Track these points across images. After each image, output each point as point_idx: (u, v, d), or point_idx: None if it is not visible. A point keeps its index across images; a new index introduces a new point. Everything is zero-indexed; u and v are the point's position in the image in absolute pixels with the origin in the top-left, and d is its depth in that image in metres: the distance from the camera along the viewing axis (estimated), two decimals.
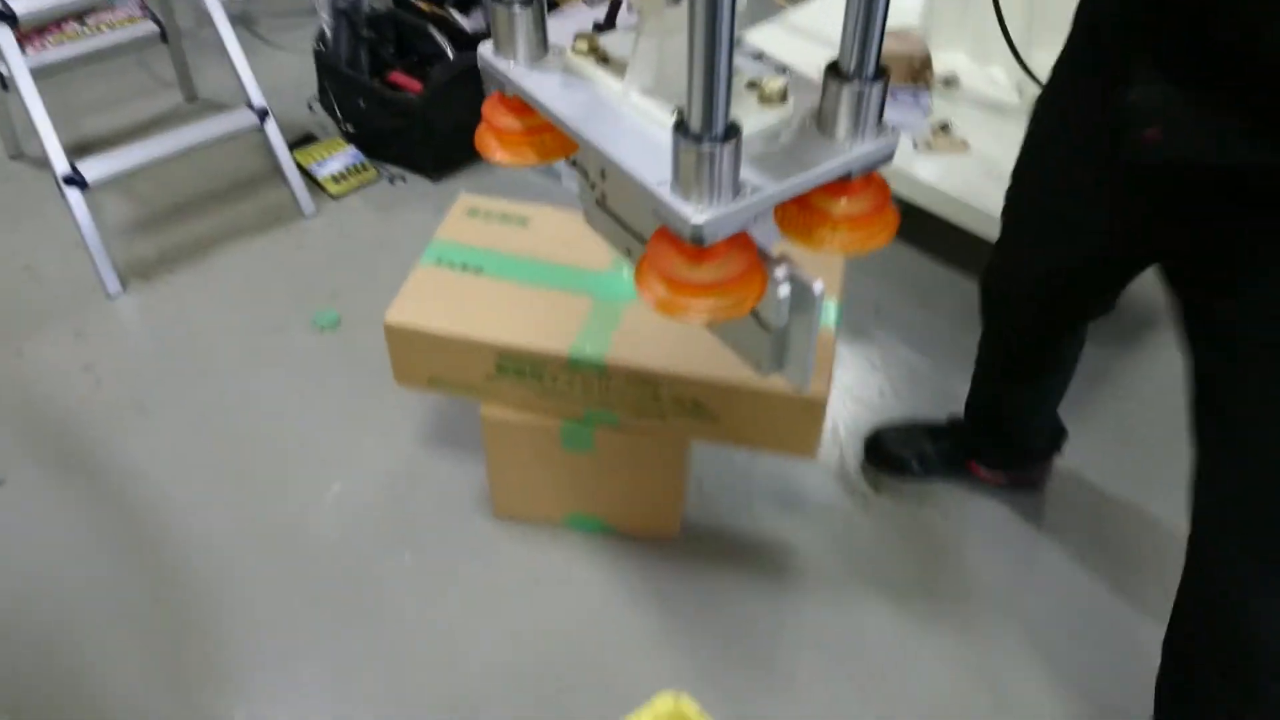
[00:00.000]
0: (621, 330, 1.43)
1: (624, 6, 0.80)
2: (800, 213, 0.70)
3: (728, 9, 0.56)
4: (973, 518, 1.69)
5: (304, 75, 2.63)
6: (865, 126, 0.67)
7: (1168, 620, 1.15)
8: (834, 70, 0.66)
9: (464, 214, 1.61)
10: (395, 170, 2.45)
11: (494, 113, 0.80)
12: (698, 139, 0.60)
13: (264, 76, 2.25)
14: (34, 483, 1.74)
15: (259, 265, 2.19)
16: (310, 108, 2.63)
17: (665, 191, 0.65)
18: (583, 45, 0.78)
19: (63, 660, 1.49)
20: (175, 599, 1.57)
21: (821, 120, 0.69)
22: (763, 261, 0.71)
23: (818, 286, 0.72)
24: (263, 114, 2.21)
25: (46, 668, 1.48)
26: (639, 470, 1.55)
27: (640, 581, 1.59)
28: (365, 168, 2.43)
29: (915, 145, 1.98)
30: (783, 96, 0.71)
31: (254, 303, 2.09)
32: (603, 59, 0.77)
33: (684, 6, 0.59)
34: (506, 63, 0.78)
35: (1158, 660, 1.17)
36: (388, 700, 1.45)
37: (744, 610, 1.56)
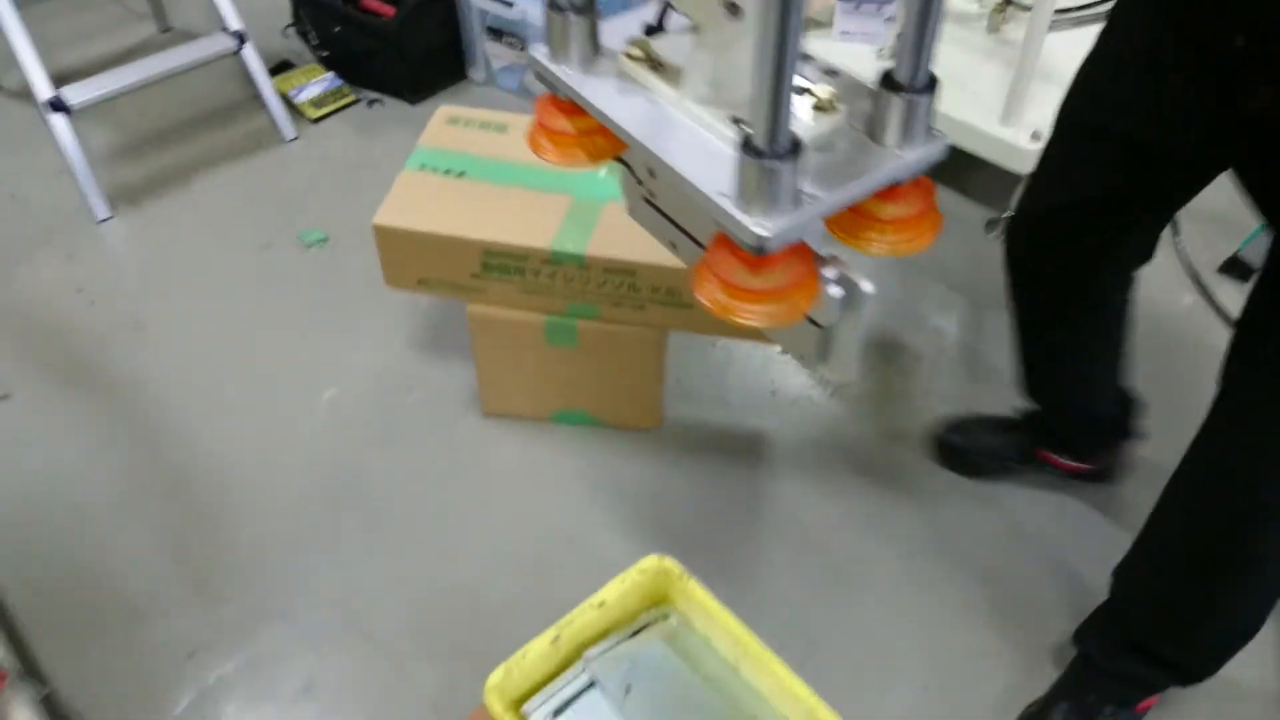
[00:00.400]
0: (600, 226, 1.50)
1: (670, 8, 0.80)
2: (849, 215, 0.72)
3: (795, 34, 0.57)
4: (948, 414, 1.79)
5: (278, 4, 2.65)
6: (916, 134, 0.69)
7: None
8: (888, 80, 0.68)
9: (445, 122, 1.67)
10: (372, 94, 2.49)
11: (546, 114, 0.81)
12: (762, 155, 0.61)
13: (238, 5, 2.28)
14: (38, 396, 1.80)
15: (243, 188, 2.24)
16: (285, 35, 2.65)
17: (727, 203, 0.66)
18: (636, 51, 0.78)
19: (80, 551, 1.57)
20: (182, 496, 1.65)
21: (873, 128, 0.70)
22: (815, 262, 0.72)
23: (867, 287, 0.72)
24: (240, 38, 2.24)
25: (66, 558, 1.56)
26: (620, 362, 1.64)
27: (625, 469, 1.69)
28: (343, 92, 2.47)
29: (879, 54, 2.04)
30: (835, 103, 0.73)
31: (241, 224, 2.15)
32: (656, 65, 0.77)
33: (741, 21, 0.64)
34: (560, 68, 0.78)
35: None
36: (388, 584, 1.54)
37: (722, 495, 1.66)
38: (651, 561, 1.32)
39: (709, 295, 0.69)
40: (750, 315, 0.69)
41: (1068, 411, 1.55)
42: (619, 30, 0.80)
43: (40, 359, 1.87)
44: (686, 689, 1.24)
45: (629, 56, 0.78)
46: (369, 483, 1.68)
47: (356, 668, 1.44)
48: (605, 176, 1.58)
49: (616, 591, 1.27)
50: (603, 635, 1.30)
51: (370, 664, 1.45)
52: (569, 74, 0.77)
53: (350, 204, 2.16)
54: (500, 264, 1.51)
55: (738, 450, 1.72)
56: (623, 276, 1.49)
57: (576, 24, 0.76)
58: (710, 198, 0.66)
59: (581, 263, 1.47)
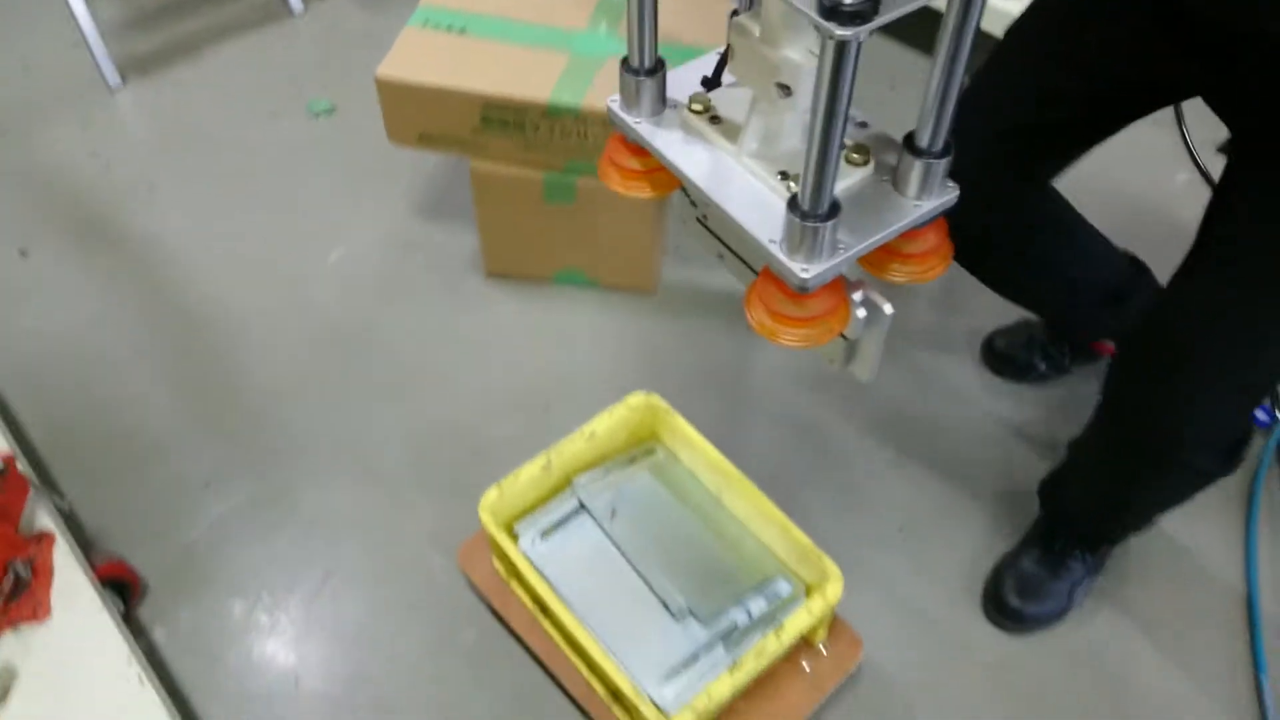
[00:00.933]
0: (597, 81, 1.53)
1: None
2: (875, 250, 0.84)
3: (840, 121, 0.69)
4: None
5: None
6: (932, 189, 0.82)
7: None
8: (910, 144, 0.81)
9: None
10: None
11: (617, 152, 0.95)
12: (806, 217, 0.75)
13: None
14: (57, 253, 1.86)
15: (252, 60, 2.26)
16: None
17: (776, 249, 0.80)
18: (698, 106, 0.90)
19: (99, 393, 1.65)
20: (196, 345, 1.72)
21: (897, 181, 0.83)
22: (844, 286, 0.85)
23: (888, 309, 0.84)
24: None
25: (85, 399, 1.64)
26: (618, 221, 1.68)
27: (621, 328, 1.74)
28: None
29: None
30: (866, 157, 0.84)
31: (250, 94, 2.18)
32: (714, 119, 0.89)
33: (792, 98, 0.77)
34: (633, 118, 0.91)
35: None
36: (392, 426, 1.61)
37: (713, 357, 1.71)
38: (639, 397, 1.39)
39: (757, 319, 0.85)
40: (791, 338, 0.85)
41: (1082, 307, 1.51)
42: (682, 79, 0.93)
43: (58, 219, 1.93)
44: (669, 514, 1.31)
45: (691, 110, 0.90)
46: (375, 336, 1.74)
47: (360, 501, 1.52)
48: (604, 35, 1.60)
49: (605, 424, 1.34)
50: (592, 465, 1.37)
51: (373, 497, 1.53)
52: (639, 124, 0.90)
53: (357, 76, 2.17)
54: (500, 118, 1.54)
55: (732, 316, 1.77)
56: None
57: (646, 83, 0.89)
58: (762, 243, 0.80)
59: (578, 115, 1.50)
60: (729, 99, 0.91)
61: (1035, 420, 1.62)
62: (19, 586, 1.13)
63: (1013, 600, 1.37)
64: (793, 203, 0.77)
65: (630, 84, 0.90)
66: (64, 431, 1.60)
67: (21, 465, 1.24)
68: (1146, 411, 1.11)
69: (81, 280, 1.82)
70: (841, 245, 0.80)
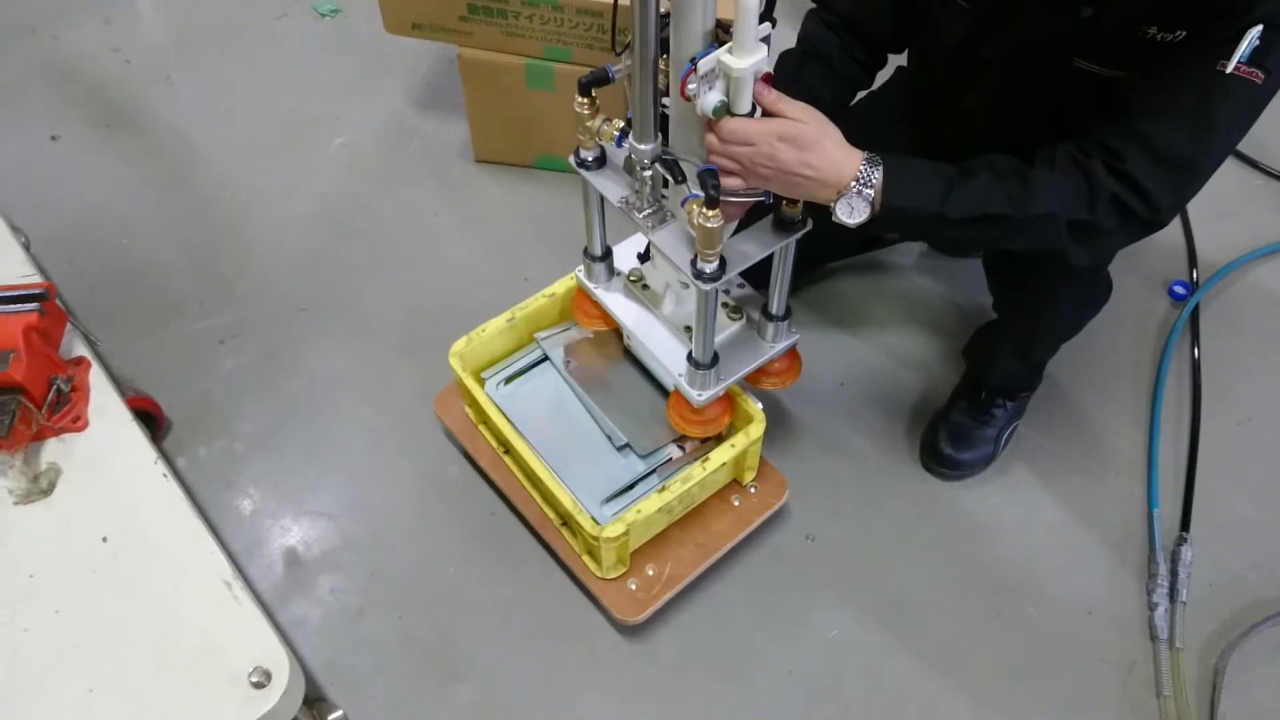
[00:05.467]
0: None
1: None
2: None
3: (713, 322, 1.19)
4: None
5: None
6: (781, 336, 1.30)
7: None
8: (765, 311, 1.28)
9: None
10: None
11: (584, 302, 1.42)
12: (699, 366, 1.24)
13: None
14: (84, 138, 2.03)
15: None
16: None
17: (683, 382, 1.27)
18: (634, 277, 1.36)
19: (125, 260, 1.83)
20: (212, 220, 1.89)
21: (760, 331, 1.30)
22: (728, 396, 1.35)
23: None
24: None
25: (113, 265, 1.82)
26: None
27: None
28: None
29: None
30: (739, 315, 1.31)
31: None
32: (644, 287, 1.35)
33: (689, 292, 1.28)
34: (592, 284, 1.38)
35: None
36: (387, 294, 1.78)
37: None
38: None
39: (673, 420, 1.34)
40: (693, 430, 1.33)
41: None
42: (630, 247, 1.39)
43: (85, 108, 2.09)
44: (619, 364, 1.47)
45: (630, 279, 1.36)
46: (374, 214, 1.90)
47: (357, 358, 1.70)
48: None
49: (564, 286, 1.50)
50: (554, 323, 1.53)
51: (368, 355, 1.70)
52: (596, 289, 1.38)
53: None
54: (484, 5, 1.68)
55: None
56: (593, 19, 1.65)
57: (599, 265, 1.36)
58: (674, 377, 1.28)
59: (555, 5, 1.64)
60: (655, 272, 1.33)
61: (965, 291, 1.77)
62: (61, 400, 1.32)
63: (946, 448, 1.53)
64: (689, 356, 1.25)
65: (590, 264, 1.36)
66: (96, 293, 1.78)
67: (59, 303, 1.42)
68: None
69: (107, 162, 1.99)
70: (722, 377, 1.26)
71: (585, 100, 1.11)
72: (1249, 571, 1.45)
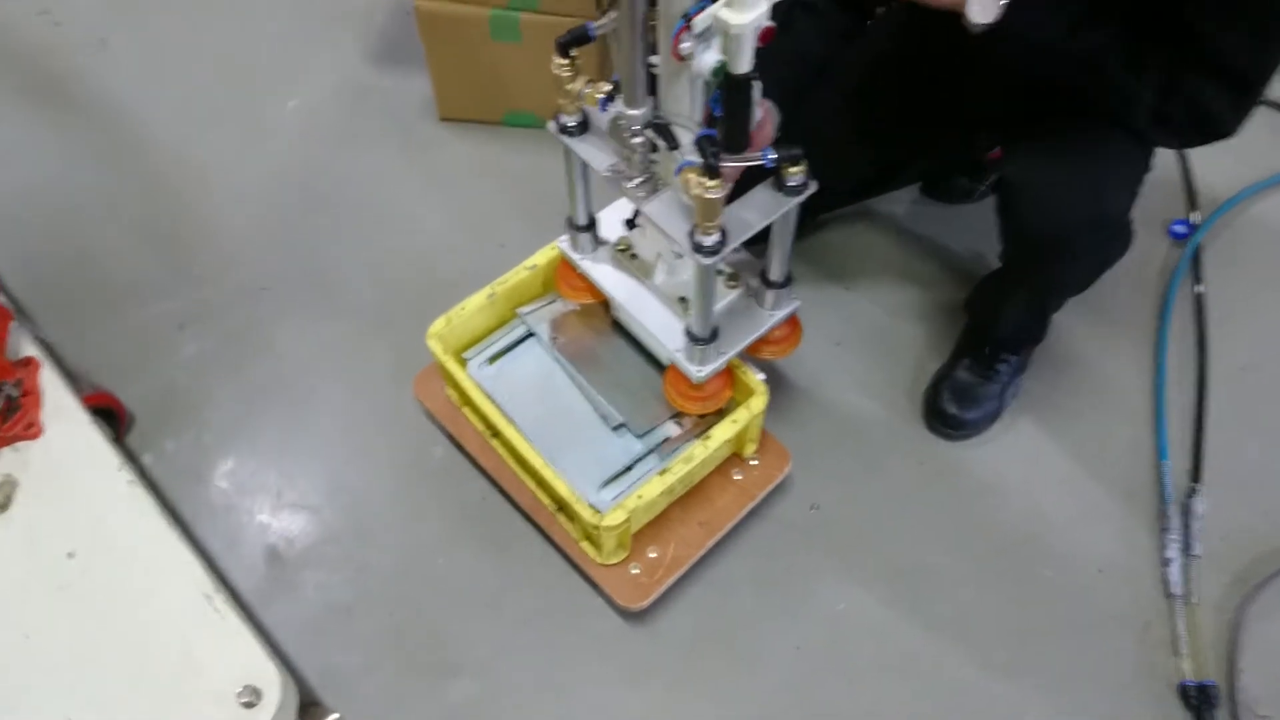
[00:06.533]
0: None
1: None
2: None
3: (711, 297, 1.11)
4: None
5: None
6: (782, 303, 1.22)
7: None
8: (765, 279, 1.19)
9: None
10: None
11: (567, 274, 1.34)
12: (697, 340, 1.16)
13: None
14: (14, 114, 1.89)
15: None
16: None
17: (680, 358, 1.19)
18: (622, 246, 1.26)
19: (72, 245, 1.71)
20: (162, 196, 1.78)
21: (759, 298, 1.22)
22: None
23: None
24: None
25: (59, 252, 1.70)
26: None
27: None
28: None
29: None
30: (737, 283, 1.22)
31: None
32: (633, 257, 1.26)
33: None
34: (577, 255, 1.28)
35: None
36: (354, 266, 1.68)
37: None
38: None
39: (671, 397, 1.26)
40: (692, 408, 1.26)
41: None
42: (615, 213, 1.30)
43: (13, 80, 1.95)
44: (608, 337, 1.39)
45: (618, 249, 1.27)
46: (334, 180, 1.79)
47: (328, 334, 1.61)
48: None
49: (546, 257, 1.41)
50: (537, 296, 1.45)
51: (340, 331, 1.61)
52: (581, 259, 1.29)
53: None
54: None
55: None
56: None
57: (583, 235, 1.26)
58: (670, 352, 1.21)
59: None
60: (644, 240, 1.25)
61: (963, 240, 1.70)
62: (11, 407, 1.22)
63: (950, 408, 1.48)
64: (687, 331, 1.17)
65: (573, 233, 1.26)
66: (41, 283, 1.67)
67: (1, 298, 1.31)
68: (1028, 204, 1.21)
69: (41, 138, 1.85)
70: (722, 350, 1.19)
71: (564, 62, 1.02)
72: (1260, 520, 1.41)
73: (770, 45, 1.40)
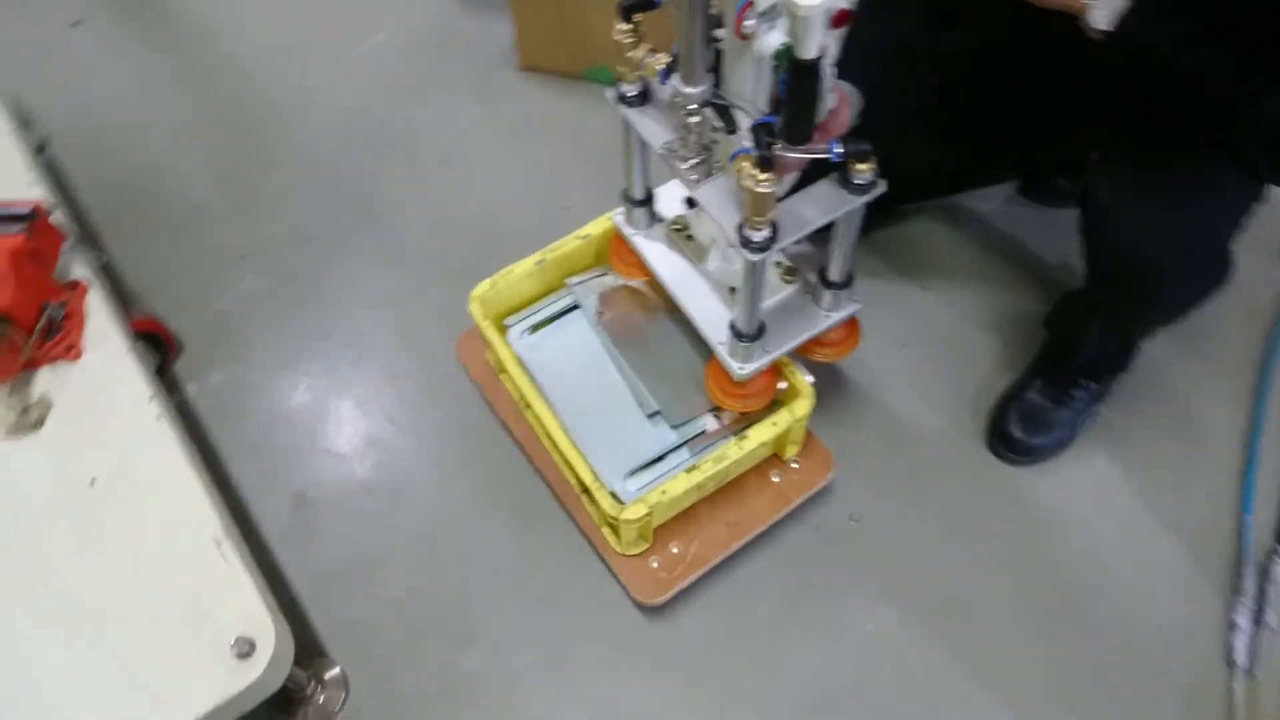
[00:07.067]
0: None
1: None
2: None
3: (759, 297, 1.04)
4: None
5: None
6: (840, 305, 1.14)
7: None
8: (823, 278, 1.12)
9: None
10: None
11: (620, 250, 1.28)
12: (742, 337, 1.09)
13: None
14: (108, 27, 1.91)
15: None
16: None
17: (723, 351, 1.13)
18: (678, 225, 1.21)
19: (144, 161, 1.73)
20: (235, 124, 1.77)
21: (816, 297, 1.14)
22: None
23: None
24: None
25: (131, 165, 1.72)
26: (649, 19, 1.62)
27: None
28: None
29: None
30: (795, 277, 1.15)
31: None
32: (688, 238, 1.20)
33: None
34: (630, 231, 1.23)
35: None
36: (417, 213, 1.65)
37: None
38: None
39: (711, 391, 1.20)
40: (732, 405, 1.19)
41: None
42: (675, 190, 1.23)
43: None
44: (658, 319, 1.33)
45: (673, 229, 1.21)
46: (408, 122, 1.76)
47: (381, 283, 1.59)
48: None
49: (601, 228, 1.34)
50: (588, 268, 1.39)
51: (393, 280, 1.59)
52: (634, 235, 1.23)
53: None
54: None
55: None
56: None
57: (639, 210, 1.20)
58: (713, 344, 1.14)
59: None
60: (701, 222, 1.19)
61: (1055, 248, 1.58)
62: (53, 327, 1.23)
63: (1016, 431, 1.37)
64: (733, 327, 1.10)
65: (629, 208, 1.21)
66: (114, 195, 1.69)
67: (58, 217, 1.31)
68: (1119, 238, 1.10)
69: (129, 50, 1.86)
70: (768, 349, 1.12)
71: (627, 27, 0.95)
72: None
73: (860, 27, 1.30)
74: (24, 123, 1.73)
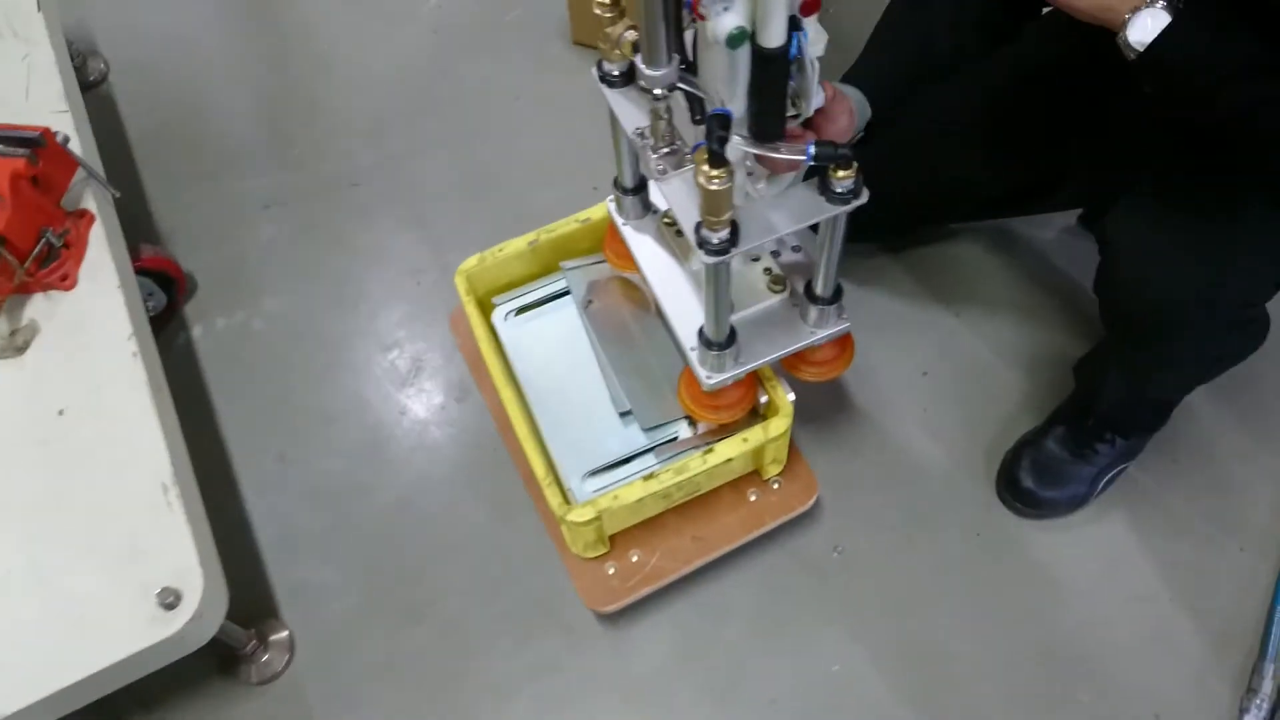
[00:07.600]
0: None
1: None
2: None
3: (725, 302, 0.96)
4: None
5: None
6: (827, 321, 1.05)
7: None
8: (809, 293, 1.03)
9: None
10: None
11: (614, 240, 1.21)
12: (710, 345, 1.02)
13: None
14: None
15: None
16: None
17: (694, 357, 1.04)
18: (669, 219, 1.14)
19: (192, 97, 1.74)
20: (290, 67, 1.78)
21: (802, 311, 1.05)
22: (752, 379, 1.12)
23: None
24: None
25: (178, 101, 1.74)
26: None
27: None
28: None
29: None
30: (782, 287, 1.07)
31: None
32: (678, 233, 1.13)
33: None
34: (621, 220, 1.17)
35: None
36: (448, 179, 1.62)
37: None
38: None
39: (681, 397, 1.13)
40: (702, 415, 1.12)
41: None
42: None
43: None
44: (646, 316, 1.26)
45: (664, 220, 1.15)
46: (452, 85, 1.73)
47: (402, 243, 1.56)
48: None
49: (601, 212, 1.28)
50: (585, 253, 1.33)
51: (414, 242, 1.56)
52: (625, 225, 1.17)
53: None
54: None
55: None
56: None
57: (629, 199, 1.14)
58: (685, 349, 1.06)
59: None
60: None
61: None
62: (51, 254, 1.24)
63: (1027, 480, 1.26)
64: (700, 333, 1.02)
65: (620, 197, 1.15)
66: (157, 131, 1.70)
67: (76, 144, 1.32)
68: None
69: None
70: (741, 360, 1.03)
71: (607, 1, 0.88)
72: None
73: (892, 27, 1.20)
74: (84, 53, 1.78)
